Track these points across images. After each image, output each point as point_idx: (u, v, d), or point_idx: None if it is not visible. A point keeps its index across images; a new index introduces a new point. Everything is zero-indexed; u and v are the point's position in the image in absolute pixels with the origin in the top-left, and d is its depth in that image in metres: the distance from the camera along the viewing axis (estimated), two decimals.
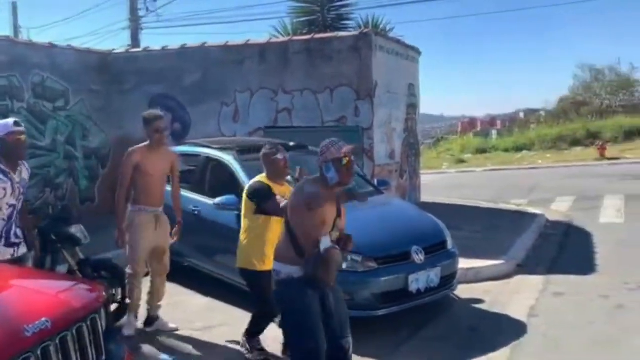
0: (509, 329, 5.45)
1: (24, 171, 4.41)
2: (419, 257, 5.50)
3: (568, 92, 39.22)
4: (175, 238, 5.67)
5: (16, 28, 24.33)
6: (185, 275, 6.77)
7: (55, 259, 5.59)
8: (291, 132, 9.28)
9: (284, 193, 4.51)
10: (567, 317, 5.72)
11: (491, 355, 4.88)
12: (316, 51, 10.14)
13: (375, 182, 7.62)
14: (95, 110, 11.02)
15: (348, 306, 3.90)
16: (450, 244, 5.99)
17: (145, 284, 5.61)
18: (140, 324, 5.60)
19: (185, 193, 6.32)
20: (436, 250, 5.76)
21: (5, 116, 6.77)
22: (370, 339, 5.02)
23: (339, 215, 3.59)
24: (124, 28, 17.52)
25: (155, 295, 5.65)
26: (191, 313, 6.11)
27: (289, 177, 4.84)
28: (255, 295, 4.81)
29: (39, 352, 2.53)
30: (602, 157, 23.12)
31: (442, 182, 17.97)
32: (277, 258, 3.64)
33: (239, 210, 5.99)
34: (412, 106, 11.99)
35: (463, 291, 6.35)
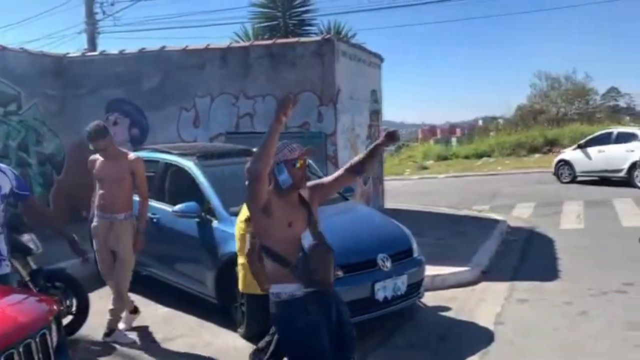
0: (476, 337, 5.42)
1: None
2: (385, 264, 5.40)
3: (526, 100, 40.19)
4: (137, 247, 5.47)
5: None
6: (144, 284, 6.59)
7: None
8: (253, 138, 9.10)
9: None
10: (532, 324, 5.72)
11: None
12: (278, 56, 10.03)
13: None
14: (49, 115, 10.62)
15: None
16: (416, 251, 5.91)
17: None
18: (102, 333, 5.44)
19: None
20: (403, 257, 5.67)
21: None
22: None
23: (309, 211, 3.36)
24: (80, 32, 17.03)
25: (112, 303, 5.46)
26: (151, 323, 5.93)
27: None
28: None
29: None
30: None
31: (404, 189, 18.02)
32: (273, 281, 3.29)
33: (200, 217, 5.85)
34: (375, 112, 11.97)
35: (429, 298, 6.30)
